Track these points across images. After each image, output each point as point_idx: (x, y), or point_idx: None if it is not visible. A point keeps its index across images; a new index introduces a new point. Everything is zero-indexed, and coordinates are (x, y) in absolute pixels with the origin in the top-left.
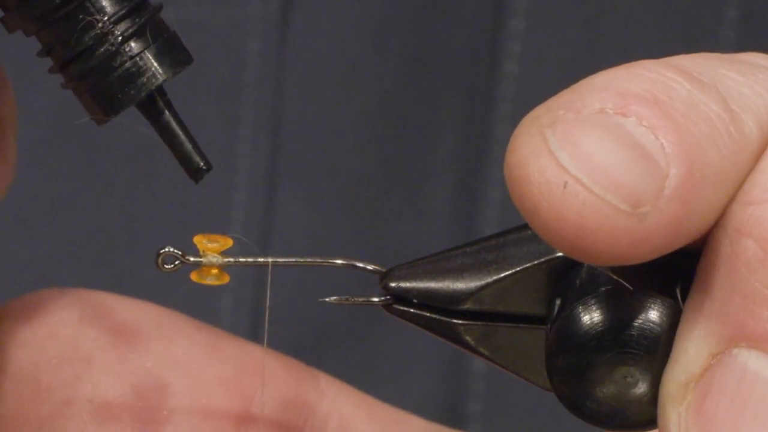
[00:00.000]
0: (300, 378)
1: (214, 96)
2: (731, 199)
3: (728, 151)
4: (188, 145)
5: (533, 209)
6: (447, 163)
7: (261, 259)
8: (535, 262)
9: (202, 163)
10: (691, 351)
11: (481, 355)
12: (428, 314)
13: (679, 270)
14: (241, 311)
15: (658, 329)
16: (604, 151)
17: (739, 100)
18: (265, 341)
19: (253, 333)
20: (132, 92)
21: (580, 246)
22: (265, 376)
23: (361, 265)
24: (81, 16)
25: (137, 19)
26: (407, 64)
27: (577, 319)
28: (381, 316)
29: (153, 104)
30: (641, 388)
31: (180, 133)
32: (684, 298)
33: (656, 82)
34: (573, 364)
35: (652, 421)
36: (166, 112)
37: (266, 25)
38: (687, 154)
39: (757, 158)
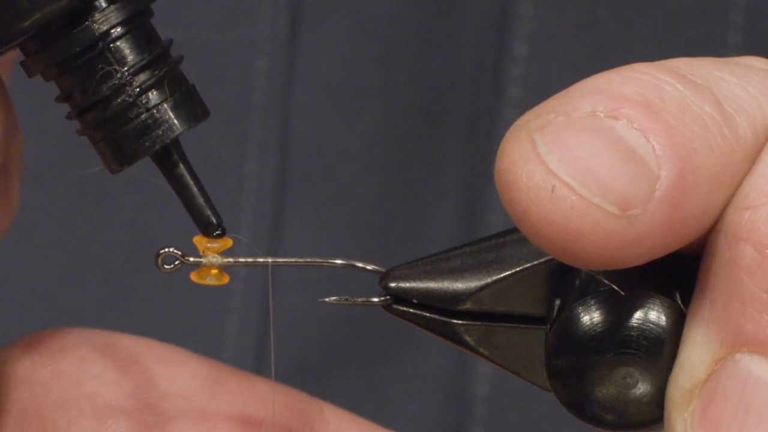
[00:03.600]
0: (304, 408)
1: (222, 116)
2: (728, 203)
3: (722, 153)
4: (200, 200)
5: (522, 214)
6: (451, 187)
7: (261, 260)
8: (535, 263)
9: (213, 219)
10: (695, 357)
11: (481, 355)
12: (428, 314)
13: (680, 272)
14: (247, 335)
15: (658, 330)
16: (594, 154)
17: (733, 102)
18: (271, 341)
19: (258, 356)
20: (147, 144)
21: (570, 250)
22: (273, 401)
23: (360, 265)
24: (100, 66)
25: (156, 71)
26: (412, 86)
27: (576, 320)
28: (385, 341)
29: (167, 156)
30: (641, 388)
31: (193, 186)
32: (685, 301)
33: (648, 84)
34: (572, 365)
35: (652, 422)
36: (180, 165)
37: (274, 45)
38: (679, 156)
39: (753, 161)
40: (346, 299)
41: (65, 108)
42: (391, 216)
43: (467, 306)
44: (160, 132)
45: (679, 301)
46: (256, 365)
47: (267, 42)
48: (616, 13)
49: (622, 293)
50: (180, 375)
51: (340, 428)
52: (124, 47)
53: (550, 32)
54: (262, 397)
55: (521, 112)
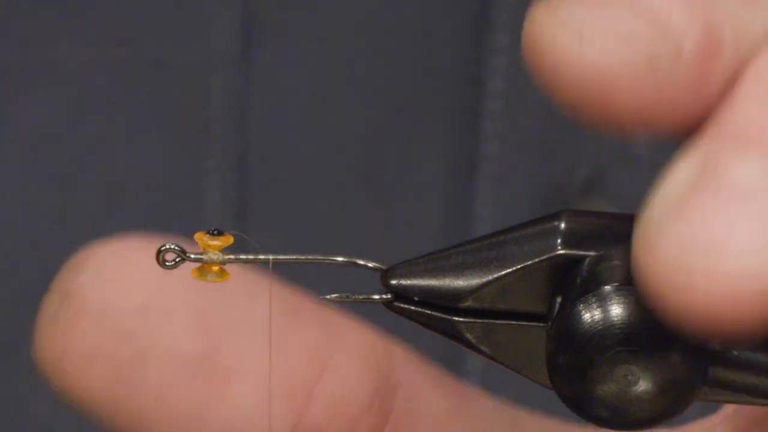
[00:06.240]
0: (376, 345)
1: (180, 133)
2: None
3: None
4: None
5: (554, 78)
6: (434, 184)
7: (262, 257)
8: (536, 260)
9: None
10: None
11: (482, 352)
12: (429, 312)
13: None
14: None
15: (660, 327)
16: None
17: None
18: (270, 341)
19: None
20: None
21: (604, 107)
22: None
23: (361, 262)
24: None
25: None
26: (385, 87)
27: (577, 317)
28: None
29: None
30: (642, 386)
31: None
32: None
33: None
34: (574, 363)
35: (653, 420)
36: None
37: (229, 60)
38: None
39: None
40: (347, 296)
41: None
42: (371, 218)
43: (468, 303)
44: None
45: None
46: None
47: (221, 57)
48: None
49: (623, 291)
50: (259, 300)
51: (407, 369)
52: None
53: None
54: (337, 330)
55: (504, 105)
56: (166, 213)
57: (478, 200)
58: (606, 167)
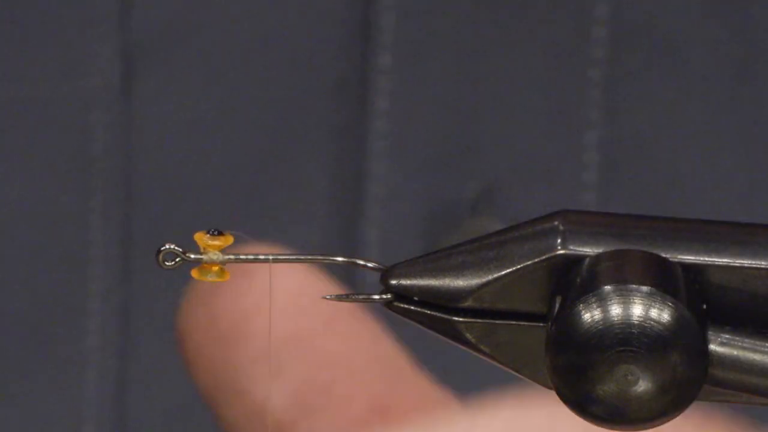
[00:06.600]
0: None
1: (63, 170)
2: None
3: None
4: None
5: None
6: (322, 207)
7: (262, 256)
8: (536, 260)
9: None
10: None
11: (482, 352)
12: (429, 312)
13: (680, 273)
14: (105, 383)
15: (659, 327)
16: None
17: None
18: (270, 340)
19: (120, 402)
20: None
21: None
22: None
23: (361, 262)
24: None
25: None
26: (269, 113)
27: (577, 317)
28: None
29: None
30: (642, 386)
31: None
32: (687, 301)
33: None
34: (573, 362)
35: (653, 420)
36: None
37: (109, 95)
38: None
39: None
40: (347, 296)
41: None
42: (259, 244)
43: (468, 303)
44: None
45: (683, 299)
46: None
47: (102, 92)
48: (478, 18)
49: (623, 291)
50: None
51: None
52: None
53: (414, 41)
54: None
55: (390, 124)
56: (52, 251)
57: (366, 221)
58: (496, 185)
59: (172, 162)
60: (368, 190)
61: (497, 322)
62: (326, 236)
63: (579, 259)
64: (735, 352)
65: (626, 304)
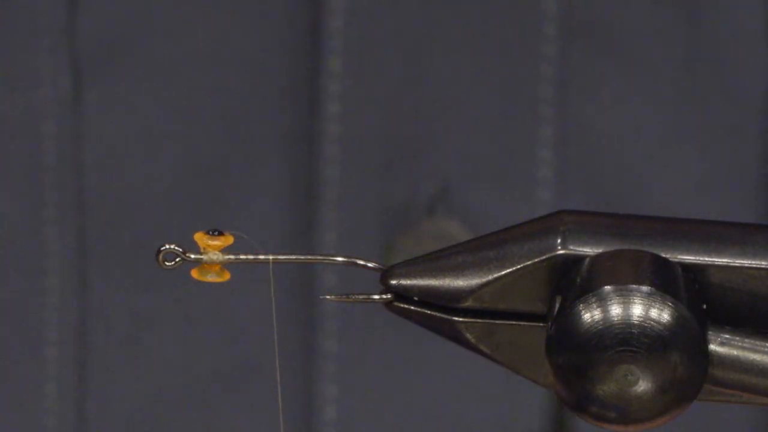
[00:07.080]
0: None
1: (15, 183)
2: None
3: None
4: None
5: None
6: (275, 212)
7: (261, 256)
8: (536, 260)
9: None
10: None
11: (482, 353)
12: (429, 312)
13: (680, 273)
14: (65, 394)
15: (659, 327)
16: None
17: None
18: (275, 341)
19: (80, 412)
20: None
21: None
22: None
23: (361, 262)
24: None
25: None
26: (219, 119)
27: (577, 317)
28: None
29: None
30: (642, 386)
31: None
32: (687, 301)
33: None
34: (573, 362)
35: (653, 419)
36: None
37: (59, 106)
38: None
39: None
40: (347, 296)
41: None
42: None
43: (468, 303)
44: None
45: (683, 298)
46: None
47: (52, 103)
48: (427, 18)
49: (623, 291)
50: None
51: None
52: None
53: (363, 44)
54: None
55: (342, 127)
56: (7, 264)
57: (321, 225)
58: (451, 185)
59: (125, 171)
60: (322, 193)
61: (497, 322)
62: (282, 241)
63: (579, 259)
64: (735, 352)
65: (626, 304)
